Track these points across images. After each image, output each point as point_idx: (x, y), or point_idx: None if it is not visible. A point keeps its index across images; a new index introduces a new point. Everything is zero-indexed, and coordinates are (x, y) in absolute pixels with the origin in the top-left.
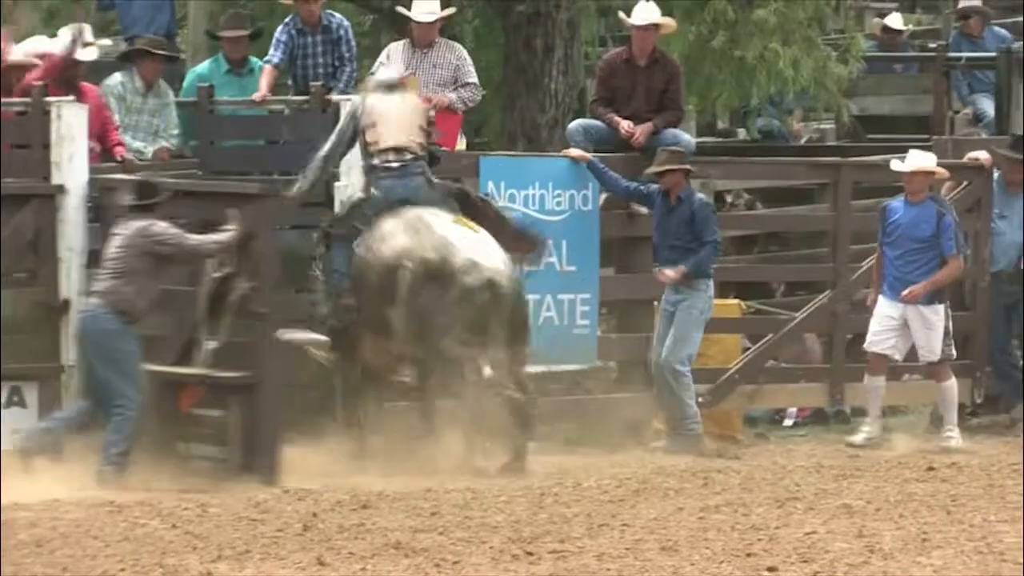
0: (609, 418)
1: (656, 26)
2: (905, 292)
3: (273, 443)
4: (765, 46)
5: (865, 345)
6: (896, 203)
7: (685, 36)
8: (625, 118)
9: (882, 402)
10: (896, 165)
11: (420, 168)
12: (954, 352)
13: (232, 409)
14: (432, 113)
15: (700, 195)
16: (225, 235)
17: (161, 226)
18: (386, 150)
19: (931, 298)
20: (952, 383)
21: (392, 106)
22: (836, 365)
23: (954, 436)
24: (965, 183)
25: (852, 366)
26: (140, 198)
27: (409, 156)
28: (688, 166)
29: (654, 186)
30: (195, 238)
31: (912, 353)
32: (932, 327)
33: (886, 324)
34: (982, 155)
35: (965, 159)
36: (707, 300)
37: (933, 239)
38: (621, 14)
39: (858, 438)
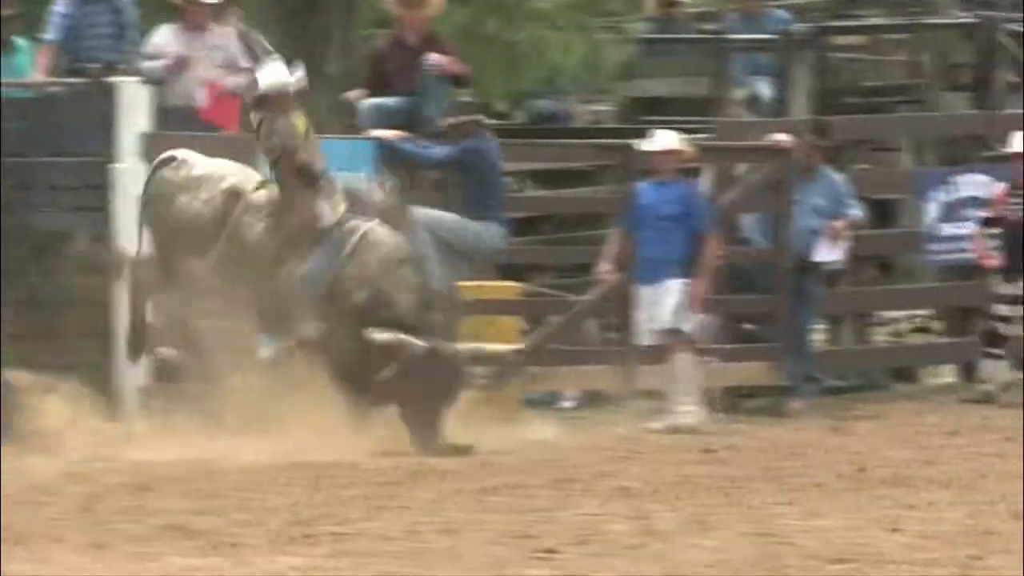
0: None
1: (423, 3)
2: (692, 300)
3: None
4: (536, 33)
5: (649, 333)
6: (645, 184)
7: (453, 19)
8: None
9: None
10: (644, 146)
11: None
12: (690, 327)
13: None
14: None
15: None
16: None
17: None
18: None
19: (672, 272)
20: (687, 356)
21: None
22: (619, 348)
23: (691, 411)
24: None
25: (634, 348)
26: None
27: None
28: (479, 117)
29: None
30: None
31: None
32: (670, 299)
33: (655, 305)
34: (783, 137)
35: (765, 141)
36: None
37: (683, 217)
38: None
39: (677, 421)
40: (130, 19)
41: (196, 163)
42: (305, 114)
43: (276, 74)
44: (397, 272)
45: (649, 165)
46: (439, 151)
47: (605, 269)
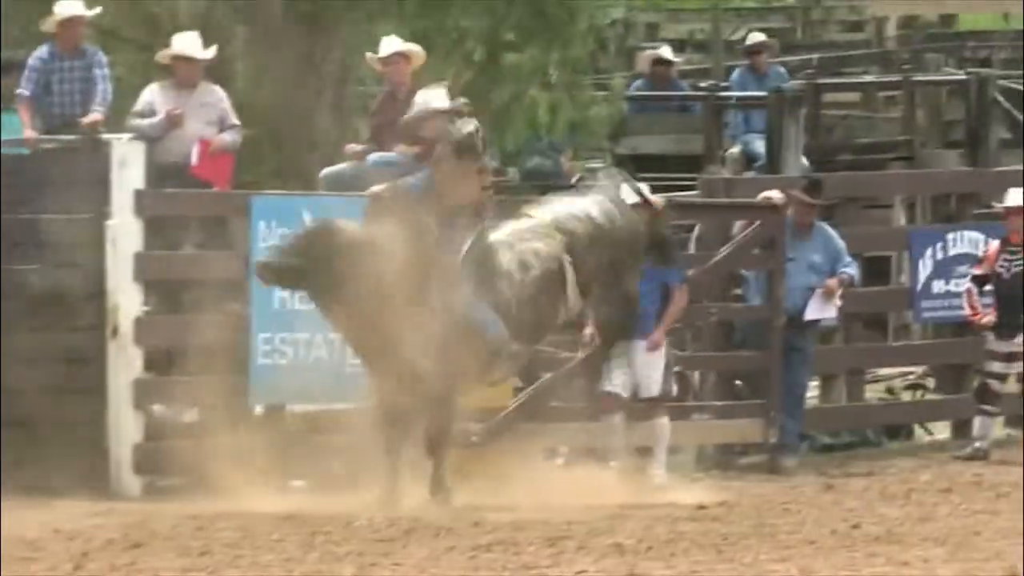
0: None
1: (404, 56)
2: (647, 344)
3: None
4: (520, 91)
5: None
6: None
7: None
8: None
9: (631, 441)
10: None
11: None
12: (674, 388)
13: None
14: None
15: None
16: None
17: None
18: None
19: (647, 326)
20: (665, 421)
21: None
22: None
23: (659, 475)
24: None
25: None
26: None
27: None
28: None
29: None
30: None
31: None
32: (653, 362)
33: (633, 363)
34: (775, 195)
35: (758, 198)
36: None
37: (656, 271)
38: (368, 54)
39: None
40: (101, 73)
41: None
42: None
43: (439, 98)
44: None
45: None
46: None
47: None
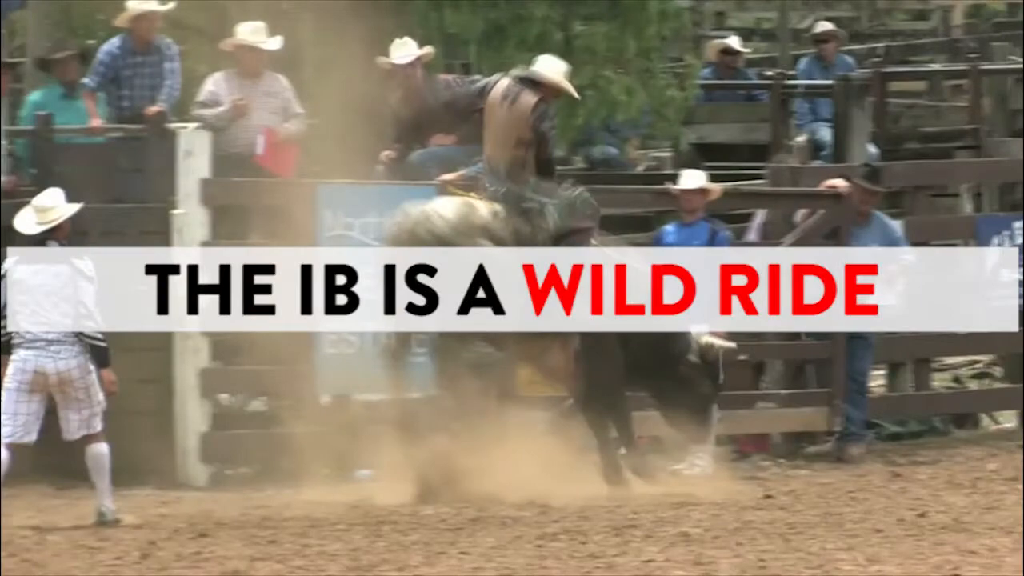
0: None
1: (420, 60)
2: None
3: None
4: (597, 73)
5: None
6: (670, 226)
7: (513, 63)
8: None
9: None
10: (671, 187)
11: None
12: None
13: None
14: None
15: None
16: None
17: None
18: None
19: None
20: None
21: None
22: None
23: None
24: (821, 211)
25: None
26: None
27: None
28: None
29: None
30: None
31: None
32: None
33: None
34: (840, 183)
35: (822, 186)
36: None
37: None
38: (380, 58)
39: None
40: (171, 67)
41: None
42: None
43: (554, 67)
44: None
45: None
46: None
47: None
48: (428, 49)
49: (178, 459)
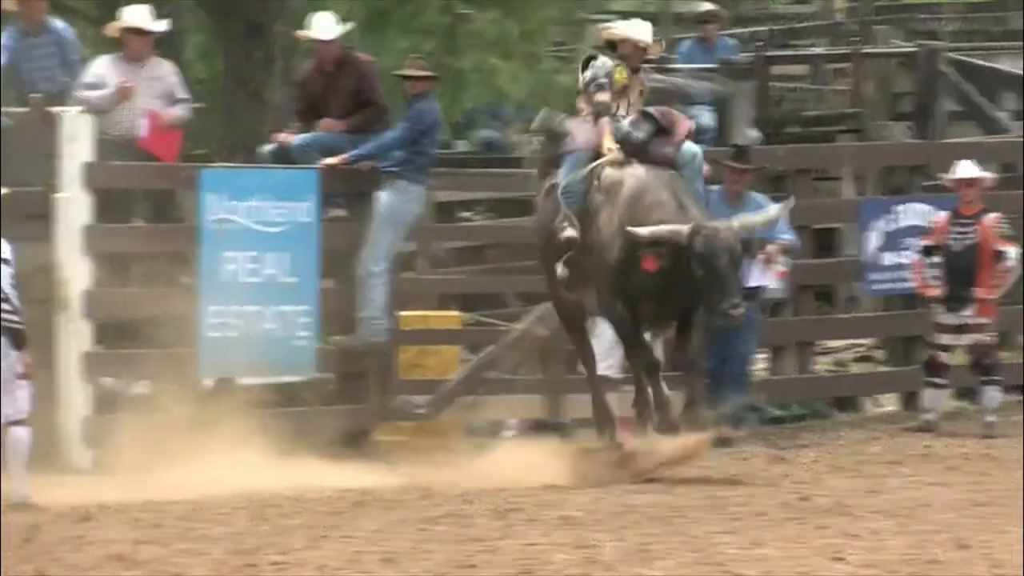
0: (327, 430)
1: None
2: None
3: None
4: (483, 60)
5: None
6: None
7: (398, 45)
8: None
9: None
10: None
11: None
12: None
13: None
14: None
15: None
16: None
17: None
18: None
19: None
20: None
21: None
22: (555, 377)
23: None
24: None
25: (571, 378)
26: None
27: None
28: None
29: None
30: None
31: None
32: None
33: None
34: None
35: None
36: (405, 203)
37: None
38: (300, 32)
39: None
40: (72, 52)
41: None
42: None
43: (641, 30)
44: None
45: None
46: (391, 134)
47: None
48: (350, 25)
49: (61, 443)
